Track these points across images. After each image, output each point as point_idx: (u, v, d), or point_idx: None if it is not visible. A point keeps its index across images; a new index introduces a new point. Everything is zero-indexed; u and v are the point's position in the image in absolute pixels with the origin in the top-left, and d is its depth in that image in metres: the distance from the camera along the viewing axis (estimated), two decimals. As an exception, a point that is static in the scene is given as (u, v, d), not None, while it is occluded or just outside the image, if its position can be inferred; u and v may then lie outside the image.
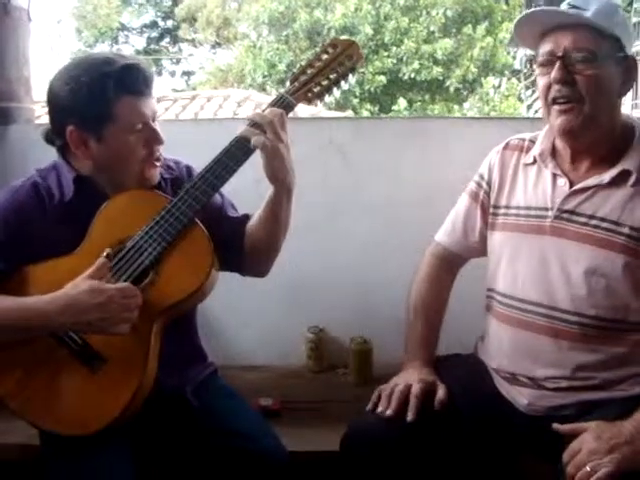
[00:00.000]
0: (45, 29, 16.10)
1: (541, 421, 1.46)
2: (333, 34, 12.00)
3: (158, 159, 1.54)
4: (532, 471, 1.55)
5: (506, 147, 1.68)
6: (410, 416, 1.44)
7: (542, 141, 1.59)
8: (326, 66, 1.58)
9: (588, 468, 1.22)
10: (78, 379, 1.44)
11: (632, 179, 1.45)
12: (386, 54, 12.32)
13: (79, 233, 1.49)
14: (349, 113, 11.28)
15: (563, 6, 1.46)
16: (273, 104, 1.53)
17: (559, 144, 1.56)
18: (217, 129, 2.29)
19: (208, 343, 1.75)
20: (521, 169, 1.62)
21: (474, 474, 1.52)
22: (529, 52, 1.58)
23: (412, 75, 12.29)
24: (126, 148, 1.49)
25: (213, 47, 17.58)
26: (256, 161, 1.48)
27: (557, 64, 1.43)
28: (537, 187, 1.57)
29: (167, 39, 18.49)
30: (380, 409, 1.48)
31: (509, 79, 13.59)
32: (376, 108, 12.79)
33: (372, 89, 12.34)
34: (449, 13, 12.47)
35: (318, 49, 1.64)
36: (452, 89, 12.68)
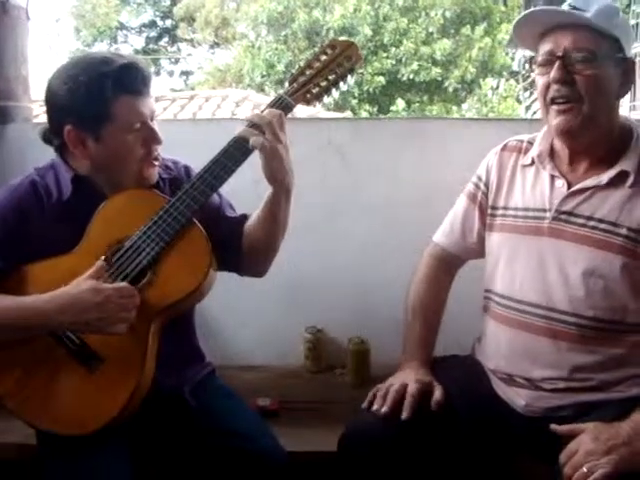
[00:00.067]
0: (44, 28, 16.09)
1: (538, 422, 1.46)
2: (332, 34, 12.02)
3: (156, 159, 1.54)
4: (529, 472, 1.55)
5: (504, 148, 1.68)
6: (405, 414, 1.44)
7: (540, 142, 1.59)
8: (325, 67, 1.58)
9: (585, 469, 1.22)
10: (76, 379, 1.43)
11: (630, 180, 1.46)
12: (385, 55, 12.33)
13: (77, 232, 1.49)
14: (348, 114, 11.29)
15: (563, 6, 1.46)
16: (272, 105, 1.53)
17: (557, 145, 1.56)
18: (215, 129, 2.29)
19: (206, 343, 1.75)
20: (519, 170, 1.62)
21: (471, 475, 1.53)
22: (528, 53, 1.58)
23: (411, 76, 12.31)
24: (124, 148, 1.49)
25: (212, 47, 17.59)
26: (255, 161, 1.48)
27: (557, 64, 1.44)
28: (535, 188, 1.57)
29: (166, 39, 18.51)
30: (375, 407, 1.48)
31: (507, 80, 13.60)
32: (375, 109, 12.80)
33: (371, 90, 12.36)
34: (448, 14, 12.49)
35: (317, 49, 1.64)
36: (451, 89, 12.69)
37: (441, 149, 2.29)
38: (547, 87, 1.47)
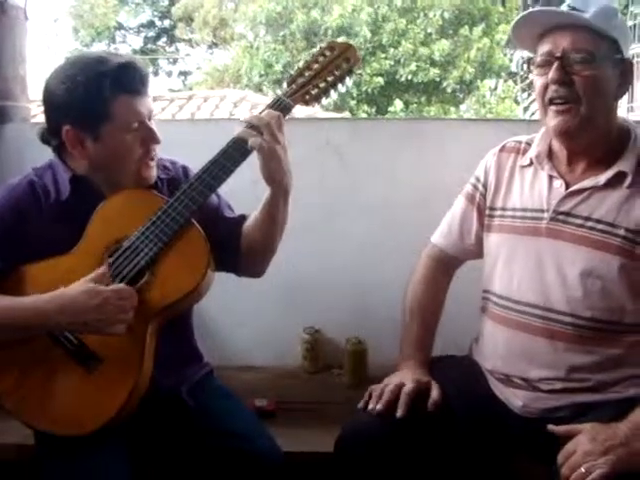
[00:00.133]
0: (42, 28, 16.09)
1: (536, 423, 1.46)
2: (330, 35, 12.02)
3: (152, 158, 1.54)
4: (526, 472, 1.55)
5: (502, 149, 1.68)
6: (399, 412, 1.44)
7: (538, 143, 1.59)
8: (323, 69, 1.59)
9: (583, 469, 1.22)
10: (74, 379, 1.43)
11: (628, 181, 1.46)
12: (383, 56, 12.33)
13: (76, 232, 1.49)
14: (346, 114, 11.29)
15: (562, 7, 1.46)
16: (270, 106, 1.54)
17: (555, 146, 1.56)
18: (214, 129, 2.29)
19: (204, 343, 1.75)
20: (517, 171, 1.62)
21: (469, 476, 1.52)
22: (526, 54, 1.58)
23: (409, 77, 12.32)
24: (123, 147, 1.49)
25: (210, 47, 17.60)
26: (253, 162, 1.48)
27: (555, 64, 1.44)
28: (533, 189, 1.57)
29: (164, 39, 18.51)
30: (370, 406, 1.48)
31: (505, 81, 13.63)
32: (373, 109, 12.81)
33: (369, 90, 12.36)
34: (446, 15, 12.50)
35: (315, 51, 1.64)
36: (449, 90, 12.70)
37: (439, 150, 2.29)
38: (545, 88, 1.47)
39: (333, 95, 1.62)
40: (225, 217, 1.64)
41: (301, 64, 1.63)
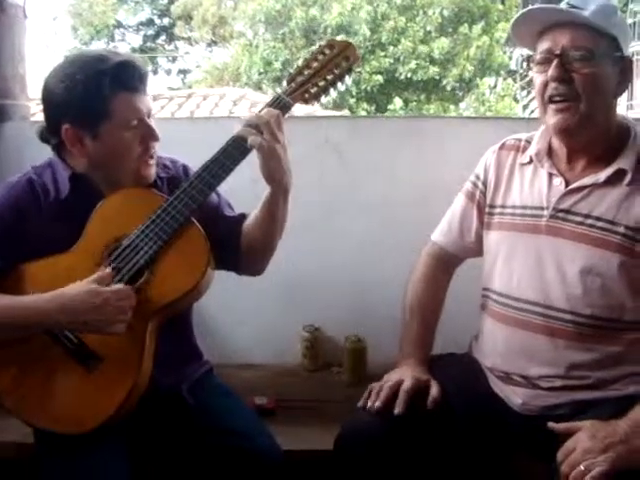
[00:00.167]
0: (41, 27, 16.08)
1: (535, 420, 1.46)
2: (329, 33, 12.02)
3: (152, 156, 1.54)
4: (526, 470, 1.55)
5: (502, 147, 1.68)
6: (397, 409, 1.44)
7: (538, 141, 1.59)
8: (323, 67, 1.59)
9: (582, 467, 1.22)
10: (73, 377, 1.43)
11: (627, 178, 1.46)
12: (383, 54, 12.33)
13: (75, 231, 1.49)
14: (345, 113, 11.28)
15: (562, 5, 1.46)
16: (270, 105, 1.54)
17: (555, 143, 1.57)
18: (213, 128, 2.29)
19: (204, 342, 1.75)
20: (517, 169, 1.62)
21: (468, 473, 1.53)
22: (525, 52, 1.58)
23: (408, 75, 12.31)
24: (122, 145, 1.48)
25: (209, 45, 17.59)
26: (253, 160, 1.48)
27: (554, 62, 1.44)
28: (533, 186, 1.57)
29: (163, 37, 18.50)
30: (369, 404, 1.48)
31: (505, 79, 13.62)
32: (372, 108, 12.80)
33: (369, 88, 12.35)
34: (445, 13, 12.49)
35: (314, 49, 1.64)
36: (448, 88, 12.70)
37: (439, 148, 2.29)
38: (545, 85, 1.47)
39: (332, 93, 1.62)
40: (225, 216, 1.64)
41: (300, 62, 1.62)
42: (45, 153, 1.58)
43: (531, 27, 1.50)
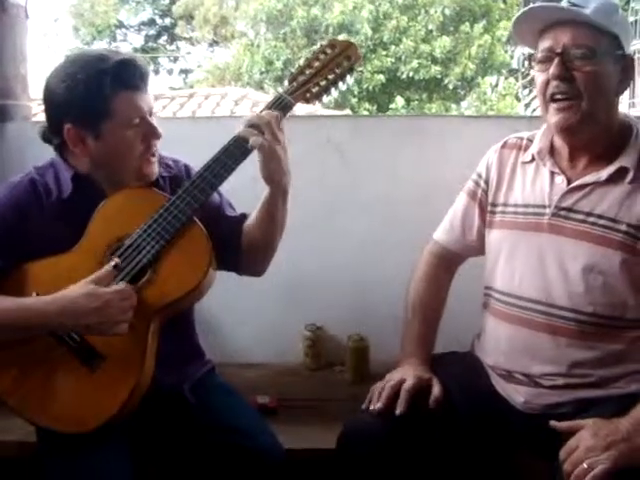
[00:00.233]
0: (42, 27, 16.09)
1: (537, 419, 1.46)
2: (331, 32, 12.02)
3: (154, 154, 1.54)
4: (528, 468, 1.55)
5: (504, 146, 1.68)
6: (399, 409, 1.44)
7: (540, 139, 1.59)
8: (324, 66, 1.59)
9: (585, 465, 1.22)
10: (76, 377, 1.43)
11: (629, 176, 1.46)
12: (384, 53, 12.33)
13: (77, 231, 1.49)
14: (347, 112, 11.28)
15: (563, 3, 1.46)
16: (272, 104, 1.54)
17: (557, 142, 1.56)
18: (215, 127, 2.28)
19: (206, 341, 1.75)
20: (519, 167, 1.62)
21: (471, 472, 1.52)
22: (527, 51, 1.58)
23: (410, 74, 12.31)
24: (124, 144, 1.49)
25: (211, 45, 17.60)
26: (254, 159, 1.48)
27: (556, 60, 1.44)
28: (535, 185, 1.57)
29: (165, 37, 18.52)
30: (372, 407, 1.48)
31: (507, 78, 13.61)
32: (374, 107, 12.80)
33: (370, 88, 12.35)
34: (447, 11, 12.48)
35: (316, 48, 1.65)
36: (450, 87, 12.70)
37: (440, 147, 2.28)
38: (546, 84, 1.47)
39: (334, 93, 1.62)
40: (226, 216, 1.64)
41: (302, 62, 1.63)
42: (47, 153, 1.58)
43: (532, 25, 1.50)
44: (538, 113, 1.61)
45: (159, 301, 1.45)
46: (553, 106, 1.47)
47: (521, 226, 1.56)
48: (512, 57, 13.34)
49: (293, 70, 1.62)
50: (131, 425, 1.48)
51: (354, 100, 12.54)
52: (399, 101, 12.30)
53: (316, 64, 1.59)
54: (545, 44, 1.47)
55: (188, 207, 1.46)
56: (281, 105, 1.54)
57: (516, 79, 13.26)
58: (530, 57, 1.54)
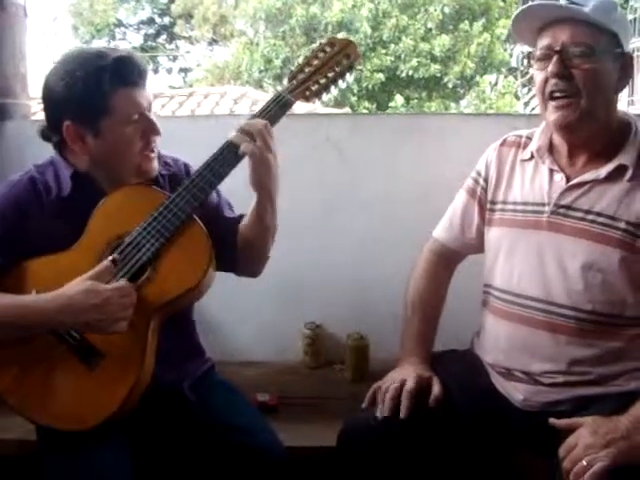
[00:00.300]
0: (41, 26, 16.07)
1: (537, 417, 1.47)
2: (330, 30, 12.02)
3: (153, 150, 1.54)
4: (528, 466, 1.55)
5: (503, 143, 1.68)
6: (402, 414, 1.44)
7: (539, 137, 1.59)
8: (324, 65, 1.59)
9: (584, 462, 1.23)
10: (76, 375, 1.43)
11: (628, 174, 1.46)
12: (384, 52, 12.32)
13: (77, 228, 1.49)
14: (347, 111, 11.28)
15: (561, 1, 1.46)
16: (271, 102, 1.55)
17: (556, 139, 1.57)
18: (214, 126, 2.28)
19: (206, 339, 1.75)
20: (518, 165, 1.62)
21: (470, 469, 1.53)
22: (526, 49, 1.58)
23: (410, 72, 12.30)
24: (123, 141, 1.49)
25: (210, 44, 17.58)
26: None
27: (554, 58, 1.44)
28: (534, 182, 1.57)
29: (164, 36, 18.49)
30: (378, 414, 1.47)
31: (506, 77, 13.61)
32: (373, 106, 12.80)
33: (370, 87, 12.35)
34: (446, 10, 12.48)
35: (315, 45, 1.65)
36: (450, 85, 12.70)
37: (440, 145, 2.28)
38: (545, 82, 1.47)
39: (333, 91, 1.62)
40: (224, 216, 1.64)
41: (301, 60, 1.63)
42: (46, 152, 1.58)
43: (531, 23, 1.50)
44: (537, 111, 1.61)
45: (159, 299, 1.45)
46: (552, 104, 1.47)
47: (520, 224, 1.56)
48: (511, 55, 13.34)
49: (293, 68, 1.62)
50: (131, 423, 1.48)
51: (353, 99, 12.55)
52: (398, 100, 12.29)
53: (315, 62, 1.60)
54: (544, 42, 1.47)
55: (188, 205, 1.46)
56: (281, 103, 1.54)
57: (515, 77, 13.26)
58: (529, 54, 1.54)
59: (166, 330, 1.50)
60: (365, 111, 12.29)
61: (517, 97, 13.30)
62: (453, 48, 12.46)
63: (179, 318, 1.58)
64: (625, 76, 1.50)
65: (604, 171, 1.47)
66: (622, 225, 1.44)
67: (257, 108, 1.59)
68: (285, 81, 1.62)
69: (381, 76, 12.34)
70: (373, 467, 1.45)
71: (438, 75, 12.52)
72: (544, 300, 1.49)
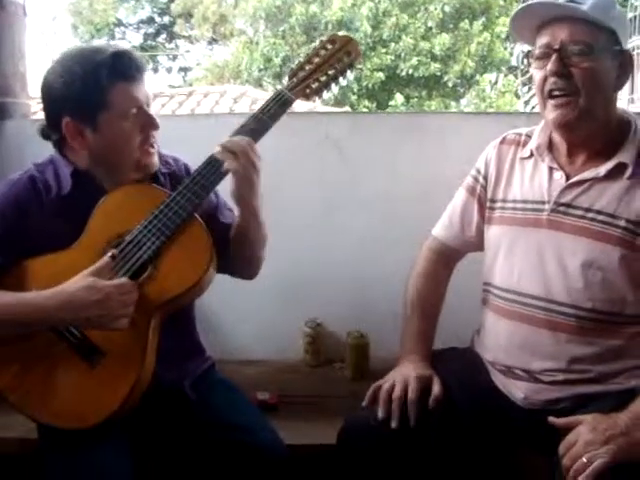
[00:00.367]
0: (40, 26, 16.05)
1: (537, 414, 1.47)
2: (330, 29, 12.01)
3: (152, 145, 1.54)
4: (528, 464, 1.55)
5: (503, 141, 1.68)
6: (411, 422, 1.44)
7: (539, 135, 1.59)
8: (324, 62, 1.59)
9: (584, 459, 1.23)
10: (77, 373, 1.44)
11: (628, 172, 1.46)
12: (384, 50, 12.32)
13: (77, 227, 1.49)
14: (347, 110, 11.28)
15: (560, 0, 1.46)
16: (272, 100, 1.55)
17: (556, 138, 1.57)
18: (214, 125, 2.29)
19: (206, 338, 1.76)
20: (518, 163, 1.62)
21: (471, 468, 1.53)
22: (526, 48, 1.58)
23: (410, 71, 12.30)
24: (122, 135, 1.49)
25: (210, 43, 17.57)
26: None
27: (553, 57, 1.44)
28: (534, 180, 1.57)
29: (163, 35, 18.49)
30: (380, 415, 1.46)
31: (506, 76, 13.60)
32: (374, 105, 12.80)
33: (370, 85, 12.35)
34: (447, 8, 12.47)
35: (316, 44, 1.65)
36: (450, 84, 12.69)
37: (440, 143, 2.28)
38: (544, 80, 1.47)
39: (334, 89, 1.62)
40: (219, 220, 1.64)
41: (302, 58, 1.63)
42: (46, 151, 1.58)
43: (530, 22, 1.50)
44: (537, 110, 1.61)
45: (160, 297, 1.45)
46: (551, 102, 1.48)
47: (520, 222, 1.56)
48: (511, 54, 13.34)
49: (293, 66, 1.62)
50: (131, 421, 1.48)
51: (354, 97, 12.54)
52: (398, 98, 12.28)
53: (316, 60, 1.60)
54: (542, 40, 1.47)
55: (189, 203, 1.47)
56: (281, 101, 1.54)
57: (515, 76, 13.25)
58: (528, 53, 1.54)
59: (166, 329, 1.50)
60: (365, 110, 12.28)
61: (517, 96, 13.29)
62: (453, 47, 12.45)
63: (180, 316, 1.58)
64: (624, 74, 1.50)
65: (604, 169, 1.47)
66: (622, 223, 1.44)
67: (257, 107, 1.59)
68: (285, 80, 1.62)
69: (381, 75, 12.33)
70: (373, 465, 1.45)
71: (438, 74, 12.51)
72: (544, 298, 1.50)
